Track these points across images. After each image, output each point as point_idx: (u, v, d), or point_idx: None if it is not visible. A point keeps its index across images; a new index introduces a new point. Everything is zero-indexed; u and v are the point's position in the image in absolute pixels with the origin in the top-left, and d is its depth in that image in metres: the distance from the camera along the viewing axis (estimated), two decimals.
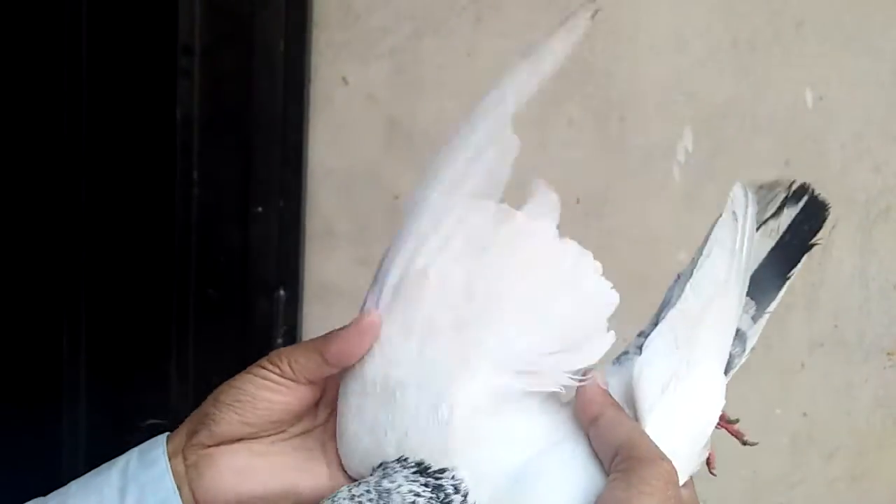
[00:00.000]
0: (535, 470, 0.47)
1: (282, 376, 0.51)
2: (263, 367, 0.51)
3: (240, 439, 0.51)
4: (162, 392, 0.95)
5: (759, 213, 0.57)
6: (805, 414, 1.06)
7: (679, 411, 0.50)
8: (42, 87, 0.97)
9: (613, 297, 0.49)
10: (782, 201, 0.57)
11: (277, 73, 0.95)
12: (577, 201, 1.00)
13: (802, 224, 0.57)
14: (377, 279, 0.52)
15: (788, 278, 0.55)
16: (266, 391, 0.50)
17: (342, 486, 0.47)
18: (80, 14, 0.92)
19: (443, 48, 1.00)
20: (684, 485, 0.49)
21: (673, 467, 0.45)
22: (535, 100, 1.04)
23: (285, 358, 0.51)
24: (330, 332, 0.51)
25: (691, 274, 0.52)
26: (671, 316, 0.51)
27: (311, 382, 0.51)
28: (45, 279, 0.99)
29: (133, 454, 0.52)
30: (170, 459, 0.50)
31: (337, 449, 0.51)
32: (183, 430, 0.52)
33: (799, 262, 0.55)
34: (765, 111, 0.99)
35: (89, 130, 0.95)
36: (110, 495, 0.49)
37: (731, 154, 1.00)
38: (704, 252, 0.53)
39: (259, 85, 0.95)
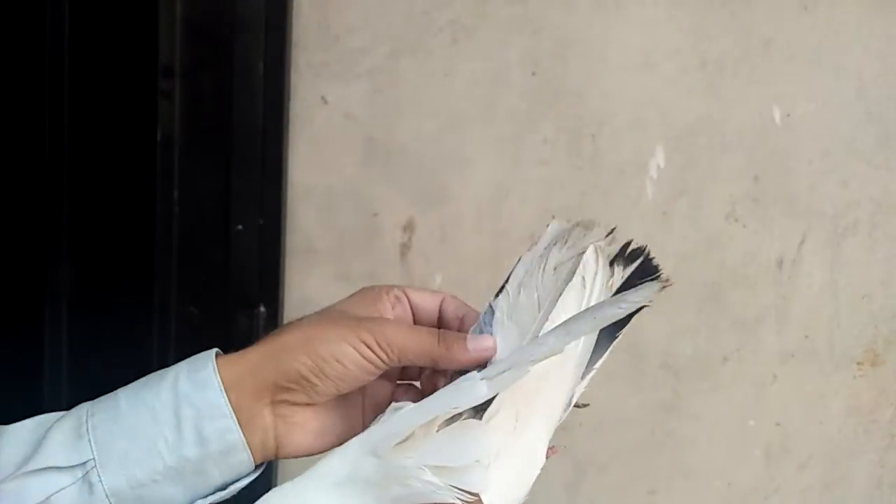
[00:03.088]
0: None
1: (386, 365, 0.52)
2: (371, 349, 0.51)
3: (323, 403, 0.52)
4: None
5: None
6: (778, 424, 1.07)
7: (504, 477, 0.51)
8: (24, 109, 0.97)
9: None
10: (615, 257, 0.56)
11: (257, 94, 0.96)
12: (553, 217, 1.01)
13: (633, 284, 0.55)
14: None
15: (617, 337, 0.54)
16: (366, 374, 0.51)
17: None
18: (62, 36, 0.93)
19: (420, 69, 1.01)
20: None
21: None
22: (510, 118, 1.07)
23: (396, 348, 0.51)
24: (450, 343, 0.52)
25: (534, 339, 0.52)
26: (509, 393, 0.51)
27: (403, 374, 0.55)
28: (27, 298, 0.99)
29: (181, 371, 0.51)
30: (227, 391, 0.50)
31: (369, 387, 0.54)
32: (255, 373, 0.51)
33: (628, 322, 0.53)
34: (734, 128, 1.01)
35: (71, 151, 0.96)
36: (163, 413, 0.49)
37: (702, 170, 1.02)
38: (547, 316, 0.53)
39: (239, 105, 0.96)
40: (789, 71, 1.01)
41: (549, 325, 0.52)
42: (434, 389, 0.53)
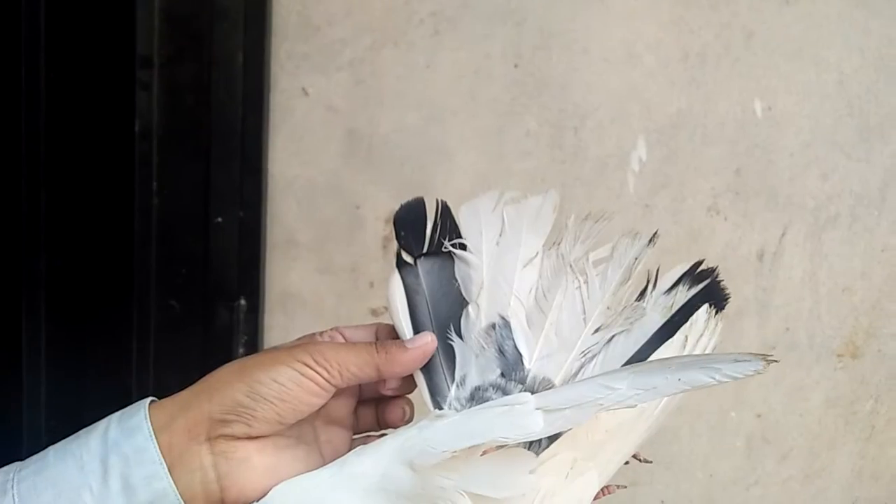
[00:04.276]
0: None
1: (329, 382, 0.49)
2: (309, 367, 0.49)
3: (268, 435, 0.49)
4: (124, 402, 0.94)
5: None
6: (759, 416, 1.08)
7: None
8: (0, 100, 0.96)
9: None
10: (679, 278, 0.54)
11: (237, 85, 0.95)
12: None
13: (696, 306, 0.53)
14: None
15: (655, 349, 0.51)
16: (310, 395, 0.49)
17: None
18: (39, 27, 0.92)
19: (402, 60, 1.01)
20: None
21: None
22: (493, 111, 1.06)
23: (335, 363, 0.49)
24: (388, 347, 0.51)
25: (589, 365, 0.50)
26: (570, 437, 0.49)
27: (353, 392, 0.52)
28: (3, 291, 0.98)
29: (112, 420, 0.49)
30: (157, 433, 0.48)
31: (324, 433, 0.52)
32: (187, 409, 0.48)
33: (673, 336, 0.51)
34: (715, 121, 1.02)
35: (48, 143, 0.95)
36: (91, 463, 0.47)
37: (684, 163, 1.02)
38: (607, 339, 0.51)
39: (218, 96, 0.95)
40: (771, 64, 1.01)
41: (610, 357, 0.49)
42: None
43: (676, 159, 1.02)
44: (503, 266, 0.53)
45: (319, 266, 1.02)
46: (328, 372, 0.49)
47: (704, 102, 1.01)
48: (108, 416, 0.49)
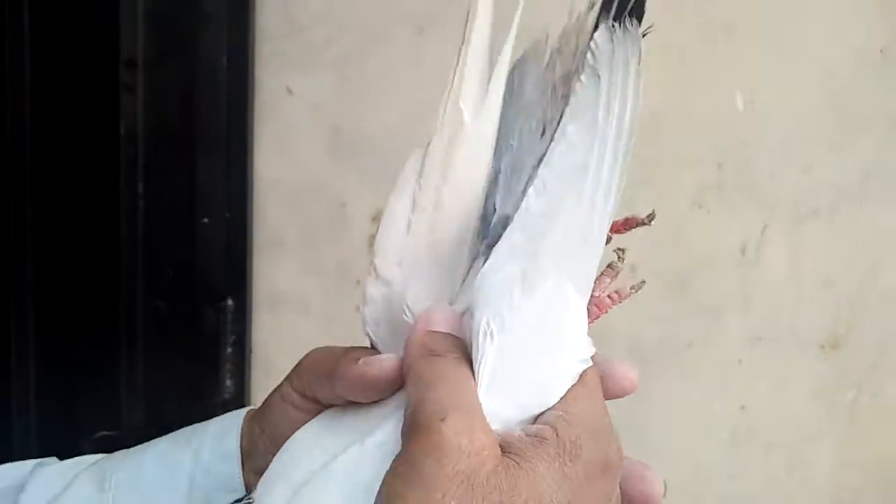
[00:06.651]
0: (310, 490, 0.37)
1: (304, 398, 0.45)
2: (290, 386, 0.45)
3: None
4: (112, 404, 0.95)
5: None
6: (743, 408, 1.09)
7: (515, 355, 0.37)
8: None
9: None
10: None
11: (221, 85, 0.95)
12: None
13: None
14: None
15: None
16: (298, 424, 0.43)
17: None
18: (22, 30, 0.92)
19: (386, 59, 1.01)
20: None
21: (457, 431, 0.33)
22: None
23: (305, 376, 0.44)
24: (355, 352, 0.42)
25: (535, 169, 0.40)
26: (511, 229, 0.39)
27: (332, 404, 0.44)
28: None
29: (207, 437, 0.47)
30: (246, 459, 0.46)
31: None
32: (246, 433, 0.47)
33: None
34: (697, 115, 1.02)
35: (33, 146, 0.95)
36: (180, 480, 0.47)
37: (666, 157, 1.03)
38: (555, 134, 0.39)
39: (203, 97, 0.95)
40: (752, 58, 1.02)
41: (556, 146, 0.39)
42: None
43: (659, 153, 1.03)
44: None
45: (306, 265, 1.03)
46: (305, 389, 0.45)
47: (686, 96, 1.02)
48: (205, 426, 0.49)
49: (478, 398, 0.35)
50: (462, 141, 0.43)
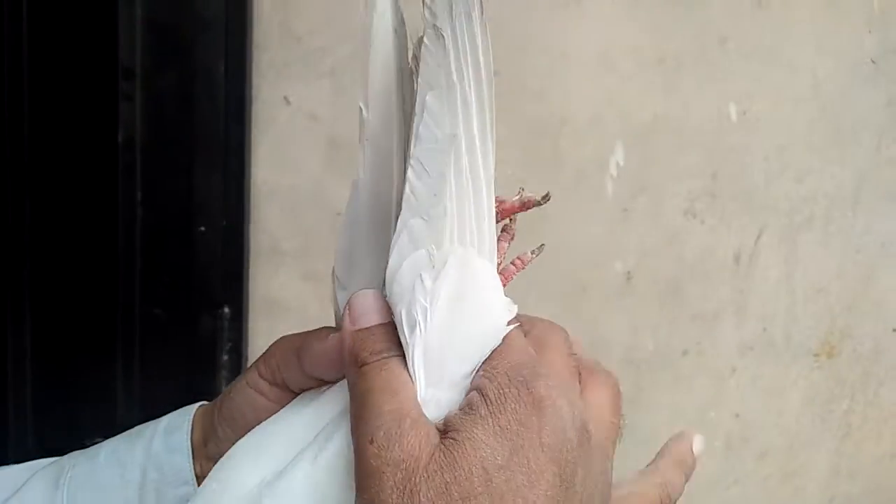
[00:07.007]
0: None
1: (271, 384, 0.45)
2: (258, 373, 0.45)
3: None
4: (110, 410, 0.95)
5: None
6: (737, 415, 1.09)
7: (444, 338, 0.37)
8: None
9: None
10: None
11: (219, 94, 0.96)
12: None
13: None
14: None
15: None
16: (261, 411, 0.44)
17: None
18: (21, 38, 0.93)
19: None
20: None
21: (384, 447, 0.33)
22: None
23: (272, 360, 0.45)
24: (308, 340, 0.44)
25: (408, 149, 0.39)
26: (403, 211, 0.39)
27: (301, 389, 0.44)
28: None
29: (159, 430, 0.48)
30: (196, 451, 0.47)
31: None
32: (199, 425, 0.48)
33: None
34: (691, 125, 1.03)
35: (31, 154, 0.95)
36: (133, 472, 0.47)
37: (661, 167, 1.04)
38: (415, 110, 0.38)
39: (201, 106, 0.95)
40: (745, 68, 1.03)
41: (419, 120, 0.39)
42: None
43: (654, 163, 1.03)
44: None
45: (303, 273, 1.03)
46: (272, 374, 0.45)
47: (680, 107, 1.02)
48: (157, 422, 0.49)
49: (409, 396, 0.36)
50: (365, 134, 0.43)
